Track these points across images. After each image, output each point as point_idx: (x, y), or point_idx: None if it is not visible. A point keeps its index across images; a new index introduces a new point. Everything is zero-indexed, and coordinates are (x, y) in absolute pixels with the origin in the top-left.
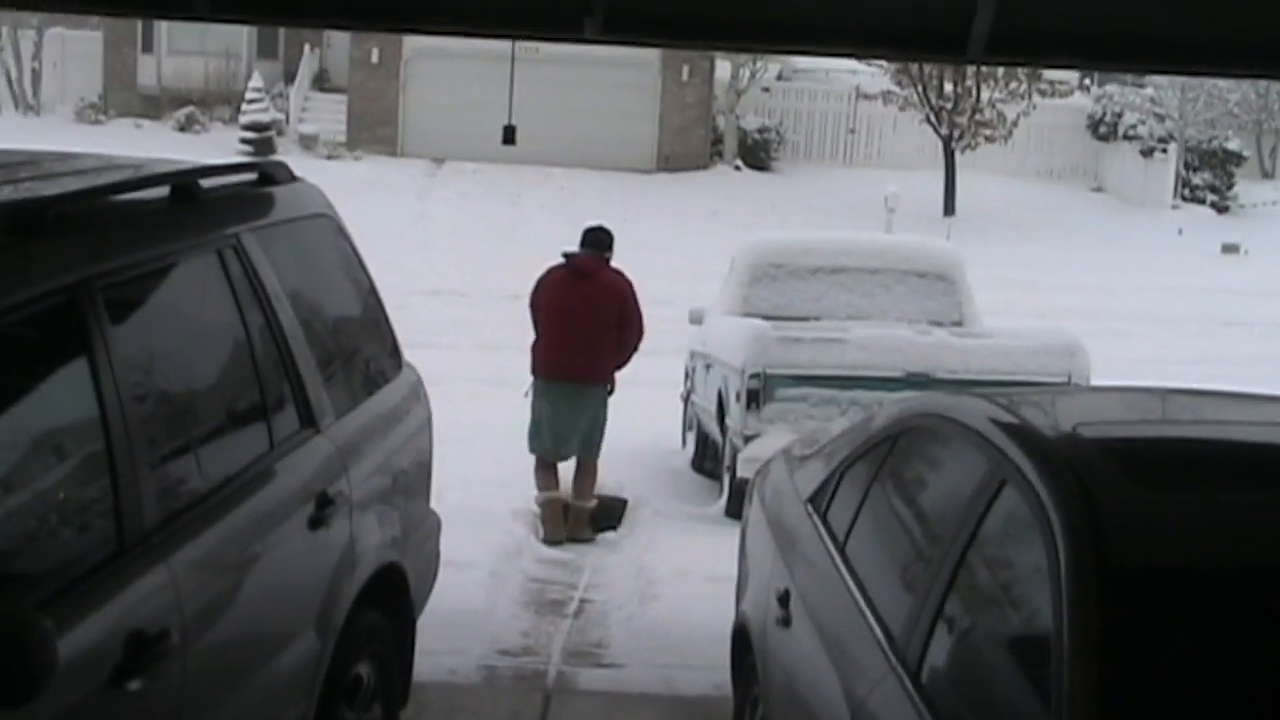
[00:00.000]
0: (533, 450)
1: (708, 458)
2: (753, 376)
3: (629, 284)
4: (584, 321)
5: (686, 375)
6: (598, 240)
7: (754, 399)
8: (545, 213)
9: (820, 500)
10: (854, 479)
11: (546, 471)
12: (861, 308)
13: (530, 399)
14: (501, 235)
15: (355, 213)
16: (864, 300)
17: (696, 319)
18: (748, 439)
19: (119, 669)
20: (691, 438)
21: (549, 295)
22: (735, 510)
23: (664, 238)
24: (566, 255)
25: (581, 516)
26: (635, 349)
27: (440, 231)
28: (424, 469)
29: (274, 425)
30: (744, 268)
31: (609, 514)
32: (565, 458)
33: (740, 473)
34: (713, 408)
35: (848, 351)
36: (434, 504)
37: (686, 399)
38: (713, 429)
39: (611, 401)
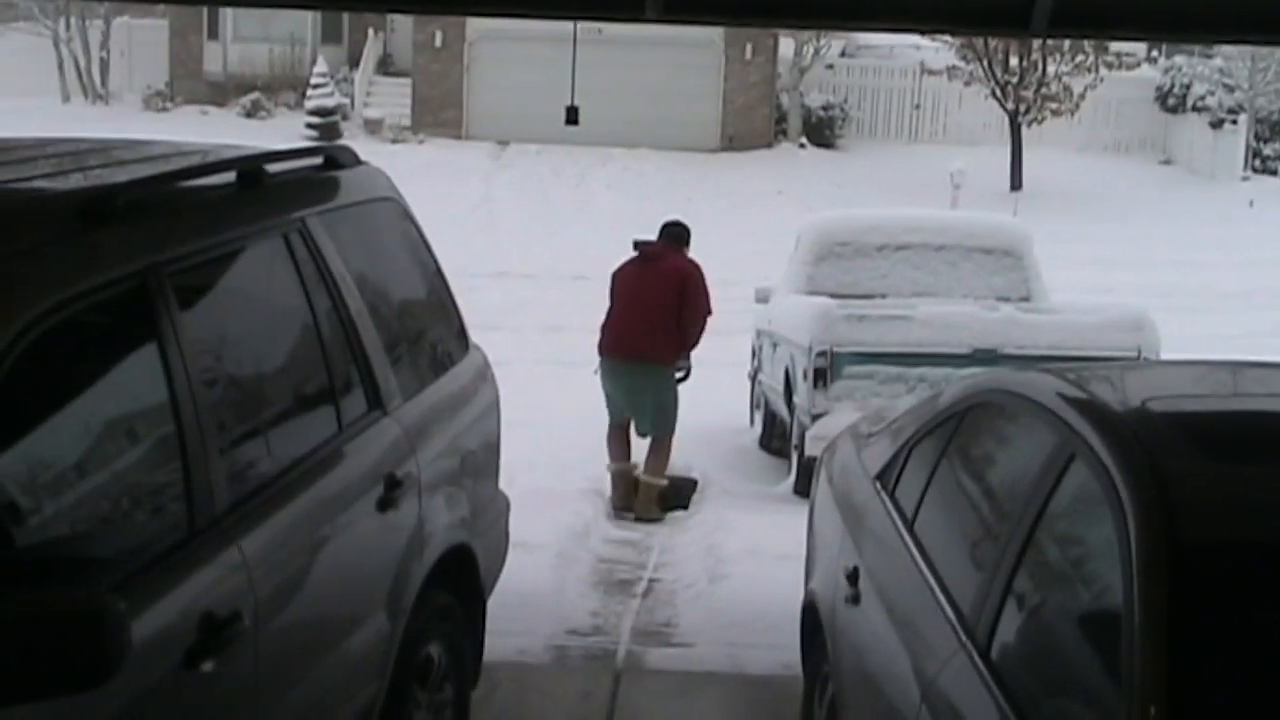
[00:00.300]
0: (610, 416)
1: (775, 436)
2: (819, 354)
3: (695, 266)
4: (643, 303)
5: (753, 354)
6: (674, 234)
7: (821, 377)
8: (610, 193)
9: (888, 477)
10: (921, 456)
11: (619, 441)
12: (928, 285)
13: (600, 377)
14: (566, 217)
15: (420, 196)
16: (930, 277)
17: (763, 298)
18: (815, 417)
19: (192, 651)
20: (759, 416)
21: (619, 281)
22: (803, 488)
23: (728, 218)
24: (637, 244)
25: (651, 494)
26: (700, 330)
27: (505, 214)
28: (492, 450)
29: (342, 408)
30: (809, 246)
31: (679, 494)
32: (638, 429)
33: (808, 451)
34: (780, 386)
35: (914, 328)
36: (503, 486)
37: (754, 378)
38: (780, 407)
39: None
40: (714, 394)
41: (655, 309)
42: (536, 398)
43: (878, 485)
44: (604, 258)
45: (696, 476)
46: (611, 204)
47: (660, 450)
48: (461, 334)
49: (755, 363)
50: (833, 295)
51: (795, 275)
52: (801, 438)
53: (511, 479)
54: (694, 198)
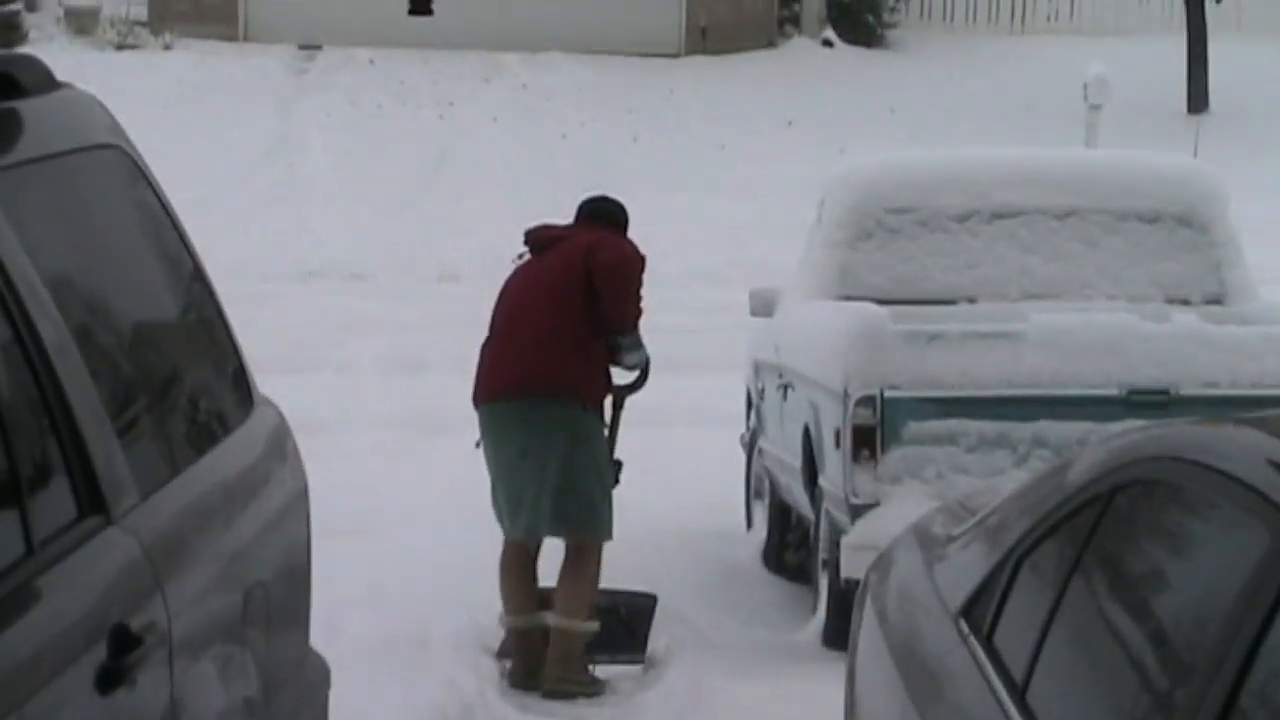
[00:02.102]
0: (505, 523)
1: (790, 545)
2: (862, 403)
3: (613, 248)
4: (532, 304)
5: (749, 405)
6: (594, 210)
7: (866, 441)
8: (497, 133)
9: (981, 612)
10: (1038, 572)
11: (515, 574)
12: (1047, 279)
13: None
14: (423, 172)
15: (168, 141)
16: (1051, 266)
17: (762, 308)
18: (857, 511)
19: None
20: (761, 511)
21: (504, 292)
22: (839, 634)
23: (702, 168)
24: (529, 236)
25: (571, 649)
26: (623, 324)
27: (317, 168)
28: (298, 578)
29: (30, 514)
30: (841, 216)
31: (627, 630)
32: (539, 537)
33: (845, 570)
34: (796, 459)
35: (1025, 355)
36: (319, 639)
37: (751, 445)
38: (796, 495)
39: (625, 448)
40: (688, 474)
41: (554, 306)
42: (379, 486)
43: (963, 626)
44: (489, 244)
45: (654, 592)
46: (501, 151)
47: (582, 567)
48: (241, 380)
49: (752, 420)
50: (883, 300)
51: (819, 267)
52: (835, 547)
53: (334, 627)
54: (641, 134)
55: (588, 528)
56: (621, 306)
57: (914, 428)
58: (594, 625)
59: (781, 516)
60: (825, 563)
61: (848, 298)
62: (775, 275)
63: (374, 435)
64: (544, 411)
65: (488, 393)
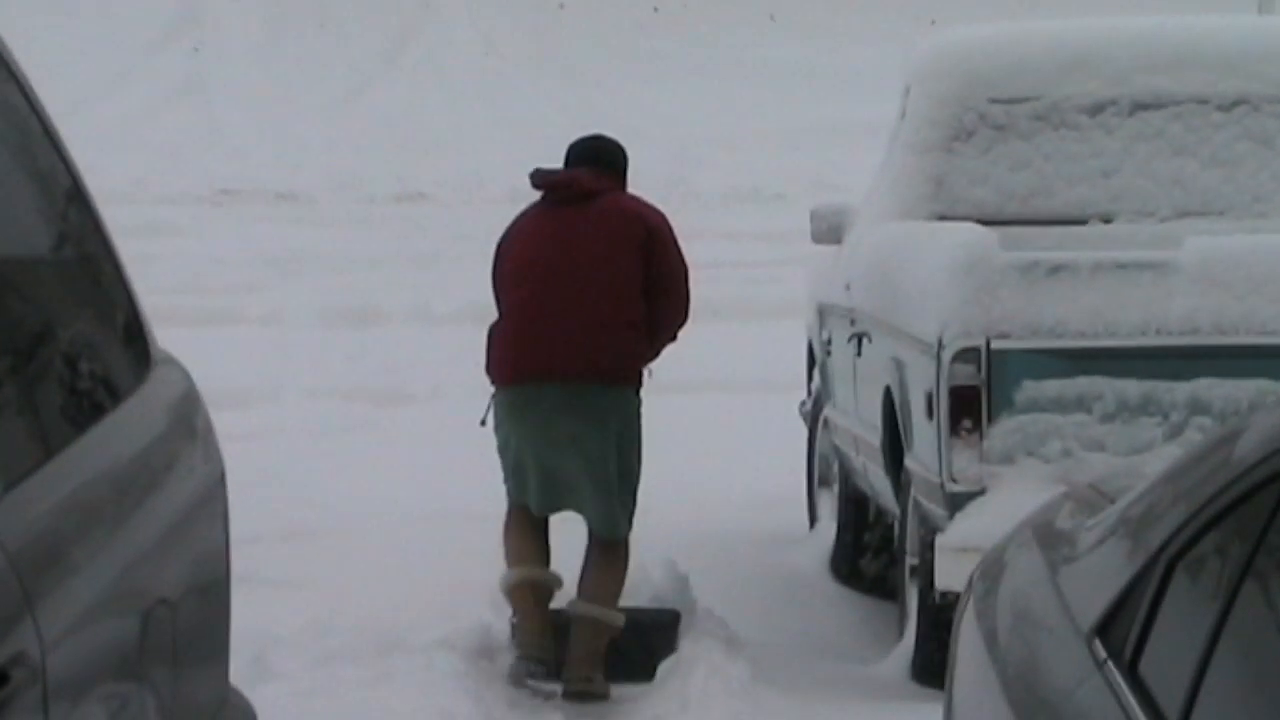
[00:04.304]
0: (511, 497)
1: (867, 548)
2: (963, 358)
3: (659, 214)
4: (569, 272)
5: (812, 363)
6: (601, 156)
7: (968, 409)
8: (466, 12)
9: (1122, 632)
10: (1198, 579)
11: (527, 529)
12: (1206, 190)
13: (494, 427)
14: (377, 56)
15: (39, 22)
16: (1212, 173)
17: (828, 232)
18: (956, 501)
19: None
20: (829, 503)
21: (517, 246)
22: (932, 665)
23: (745, 48)
24: (540, 177)
25: (596, 642)
26: (680, 323)
27: (233, 51)
28: (213, 595)
29: None
30: (932, 110)
31: (645, 646)
32: (567, 510)
33: (940, 581)
34: (873, 434)
35: (1179, 291)
36: (240, 677)
37: (814, 416)
38: (875, 481)
39: (654, 420)
40: (735, 455)
41: (594, 281)
42: (320, 475)
43: (1099, 650)
44: (464, 155)
45: (677, 608)
46: (479, 26)
47: (612, 560)
48: (135, 334)
49: (815, 383)
50: (989, 221)
51: (903, 178)
52: (927, 550)
53: (268, 663)
54: (665, 2)
55: (620, 515)
56: (676, 298)
57: (1032, 389)
58: (618, 619)
59: (855, 510)
60: (914, 570)
61: (942, 217)
62: (844, 191)
63: (313, 407)
64: (582, 396)
65: (519, 370)
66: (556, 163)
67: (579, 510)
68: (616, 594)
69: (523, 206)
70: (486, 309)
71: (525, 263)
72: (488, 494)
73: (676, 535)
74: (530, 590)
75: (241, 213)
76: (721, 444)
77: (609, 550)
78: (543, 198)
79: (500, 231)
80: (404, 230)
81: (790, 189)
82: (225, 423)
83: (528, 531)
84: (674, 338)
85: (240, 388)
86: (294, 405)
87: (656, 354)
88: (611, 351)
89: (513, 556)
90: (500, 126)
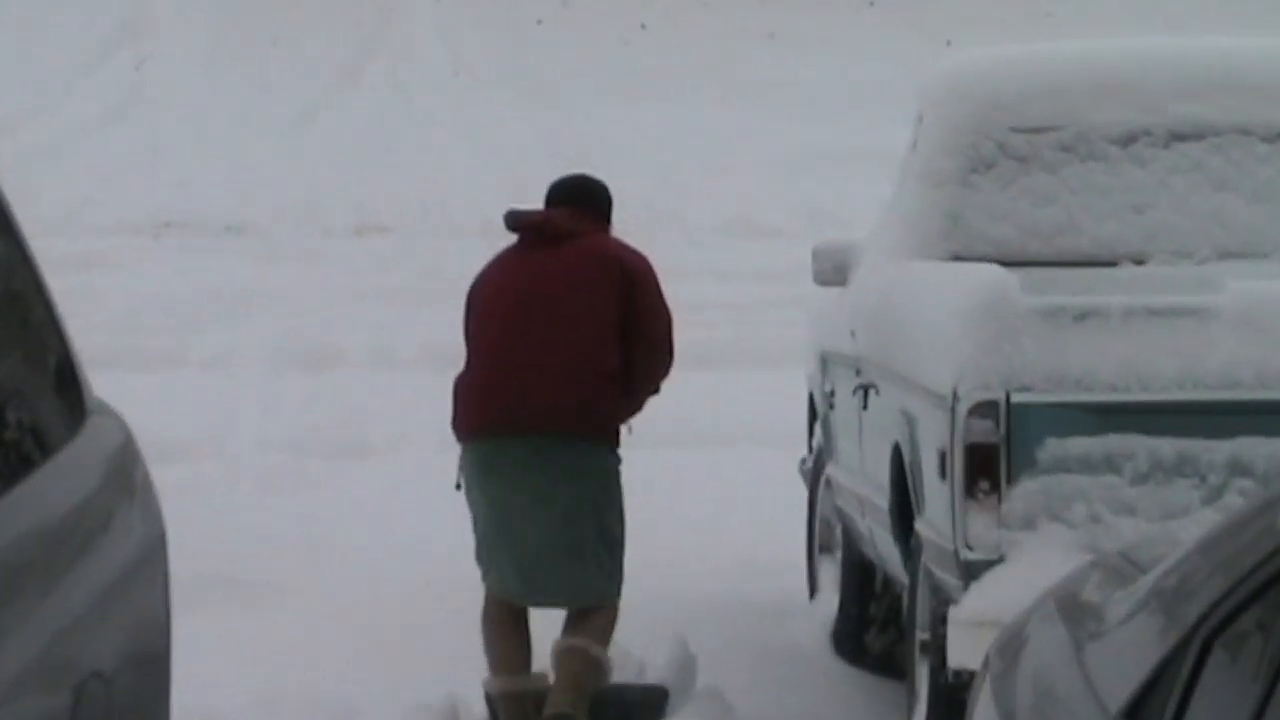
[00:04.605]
0: (488, 577)
1: (873, 621)
2: (981, 412)
3: (640, 257)
4: (545, 319)
5: (813, 416)
6: (578, 193)
7: (986, 468)
8: (443, 12)
9: (1153, 715)
10: (1238, 658)
11: (506, 625)
12: (1250, 229)
13: (465, 491)
14: (334, 74)
15: None
16: (1255, 210)
17: (833, 272)
18: (971, 570)
19: None
20: (831, 571)
21: (488, 291)
22: None
23: (742, 69)
24: (515, 219)
25: (585, 672)
26: (662, 374)
27: (177, 68)
28: (152, 668)
29: None
30: (948, 138)
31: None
32: (545, 605)
33: (955, 657)
34: (880, 495)
35: (1220, 340)
36: None
37: (815, 475)
38: (882, 547)
39: (638, 475)
40: (728, 516)
41: (567, 327)
42: (270, 534)
43: None
44: (430, 183)
45: (665, 685)
46: (447, 42)
47: (599, 613)
48: (67, 380)
49: (817, 438)
50: (1009, 262)
51: (915, 213)
52: (939, 624)
53: None
54: (653, 19)
55: (604, 583)
56: (657, 343)
57: (1056, 448)
58: (607, 657)
59: (860, 579)
60: (925, 646)
61: (958, 257)
62: (848, 225)
63: (262, 460)
64: (572, 453)
65: (486, 422)
66: (534, 193)
67: (556, 598)
68: (605, 638)
69: (495, 242)
70: (454, 351)
71: (493, 308)
72: (454, 555)
73: (664, 605)
74: (513, 701)
75: (185, 245)
76: (712, 504)
77: (594, 610)
78: (518, 240)
79: (470, 269)
80: (363, 265)
81: (788, 223)
82: (166, 478)
83: (508, 630)
84: (656, 390)
85: (182, 439)
86: (241, 458)
87: (637, 408)
88: (584, 403)
89: (495, 662)
90: (470, 153)
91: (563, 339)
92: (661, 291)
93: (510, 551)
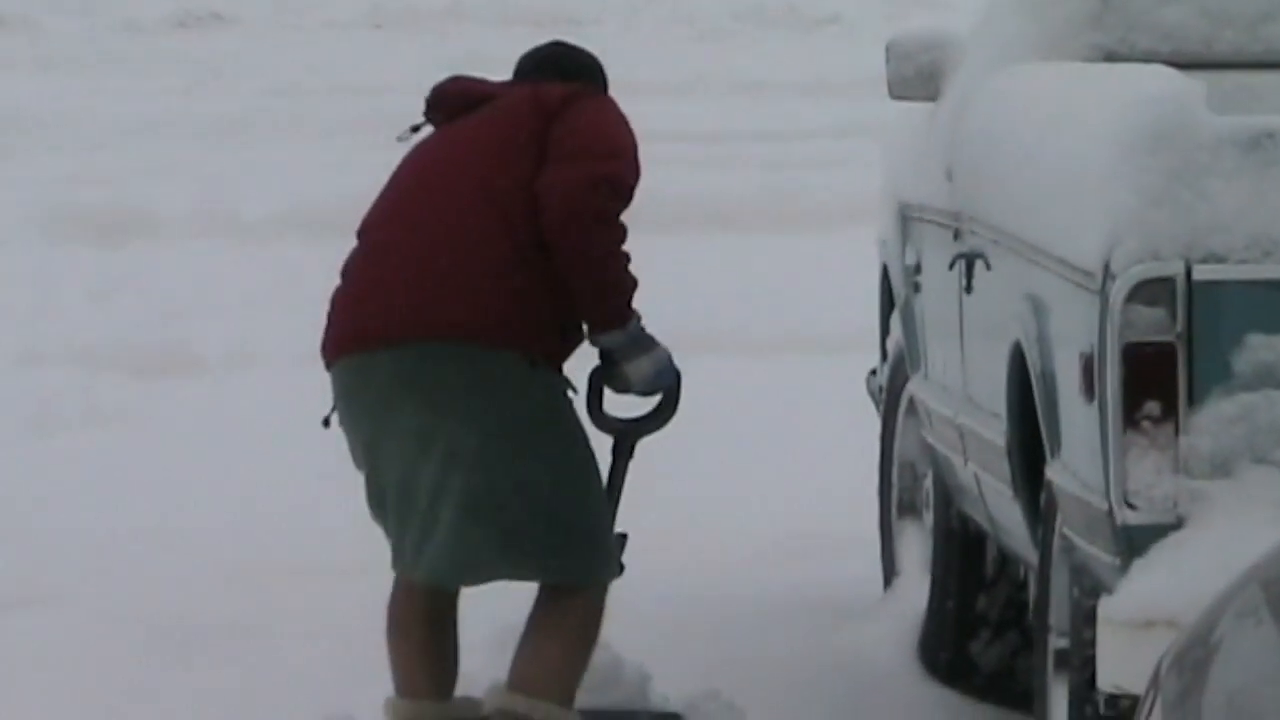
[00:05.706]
0: (395, 553)
1: (981, 619)
2: (1145, 293)
3: (577, 91)
4: (445, 192)
5: (889, 304)
6: (565, 65)
7: (1154, 382)
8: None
9: None
10: None
11: (414, 632)
12: None
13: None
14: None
15: None
16: None
17: (915, 79)
18: (1134, 538)
19: None
20: (915, 543)
21: (388, 181)
22: None
23: None
24: (436, 97)
25: None
26: (614, 258)
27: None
28: None
29: None
30: None
31: None
32: (457, 581)
33: (1109, 674)
34: (992, 425)
35: None
36: None
37: (890, 397)
38: (994, 504)
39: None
40: (760, 462)
41: (488, 195)
42: (54, 493)
43: None
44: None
45: (681, 713)
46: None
47: (564, 624)
48: None
49: (893, 341)
50: (1187, 65)
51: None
52: (1084, 623)
53: None
54: None
55: (561, 563)
56: (602, 229)
57: (1263, 350)
58: (570, 714)
59: (962, 556)
60: (1062, 658)
61: (1111, 57)
62: (947, 11)
63: (34, 378)
64: (465, 365)
65: (358, 336)
66: None
67: (478, 571)
68: (565, 680)
69: (393, 39)
70: (330, 218)
71: (385, 199)
72: (332, 520)
73: (675, 600)
74: None
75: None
76: (743, 444)
77: (556, 607)
78: (440, 118)
79: (352, 81)
80: (187, 77)
81: (848, 6)
82: None
83: (412, 629)
84: (617, 268)
85: None
86: (3, 377)
87: (609, 300)
88: (491, 297)
89: (397, 678)
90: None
91: (452, 220)
92: (608, 122)
93: (394, 513)
